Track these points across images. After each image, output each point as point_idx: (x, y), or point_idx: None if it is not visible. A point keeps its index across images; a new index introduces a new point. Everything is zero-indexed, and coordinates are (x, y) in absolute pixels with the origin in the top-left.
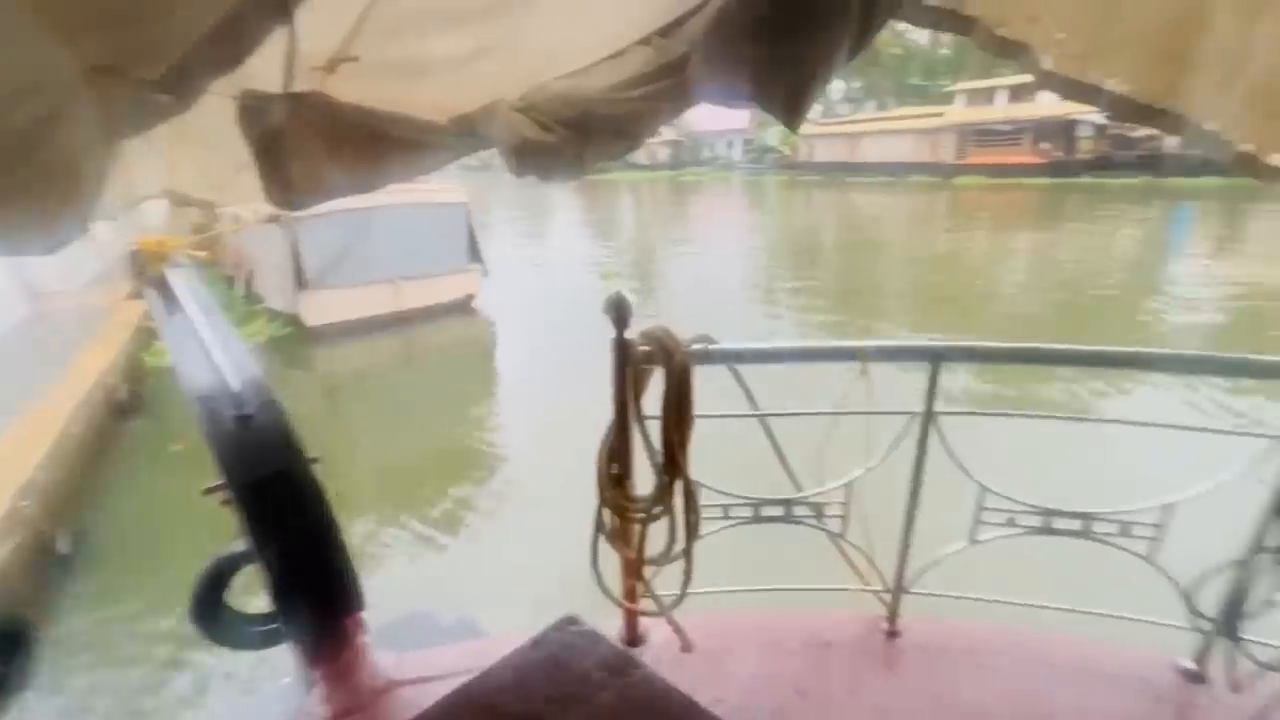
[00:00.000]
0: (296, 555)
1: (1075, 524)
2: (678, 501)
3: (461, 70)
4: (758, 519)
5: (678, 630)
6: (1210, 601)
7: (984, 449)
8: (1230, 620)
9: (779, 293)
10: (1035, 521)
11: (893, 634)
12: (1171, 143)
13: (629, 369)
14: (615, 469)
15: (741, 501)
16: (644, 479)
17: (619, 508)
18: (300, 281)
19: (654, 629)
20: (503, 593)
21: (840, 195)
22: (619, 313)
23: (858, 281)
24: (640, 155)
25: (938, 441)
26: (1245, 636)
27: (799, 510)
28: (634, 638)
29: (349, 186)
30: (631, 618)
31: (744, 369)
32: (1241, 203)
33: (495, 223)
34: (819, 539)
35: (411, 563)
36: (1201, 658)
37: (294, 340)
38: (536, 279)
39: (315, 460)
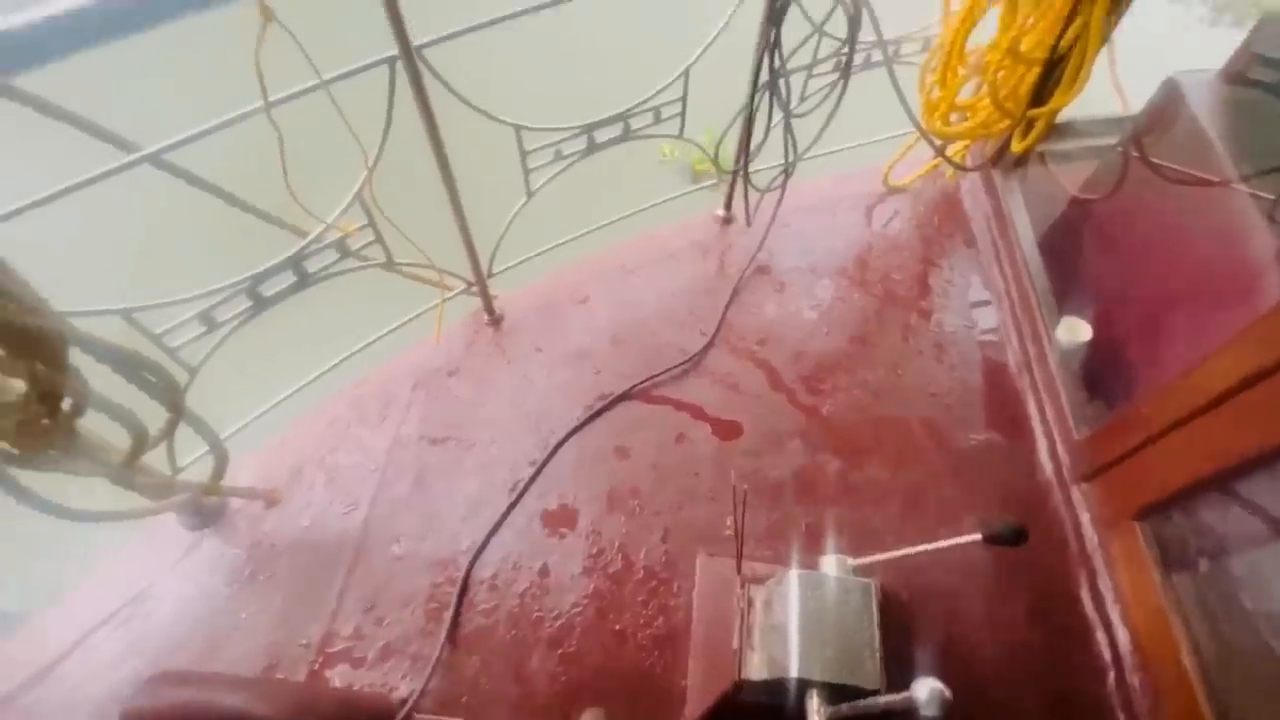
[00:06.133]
0: None
1: (616, 129)
2: None
3: None
4: None
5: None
6: (730, 152)
7: (479, 82)
8: (743, 163)
9: None
10: (580, 145)
11: (495, 322)
12: None
13: None
14: None
15: None
16: None
17: None
18: None
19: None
20: None
21: None
22: None
23: None
24: None
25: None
26: (752, 171)
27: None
28: None
29: None
30: None
31: None
32: None
33: None
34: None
35: None
36: (730, 202)
37: None
38: None
39: None
